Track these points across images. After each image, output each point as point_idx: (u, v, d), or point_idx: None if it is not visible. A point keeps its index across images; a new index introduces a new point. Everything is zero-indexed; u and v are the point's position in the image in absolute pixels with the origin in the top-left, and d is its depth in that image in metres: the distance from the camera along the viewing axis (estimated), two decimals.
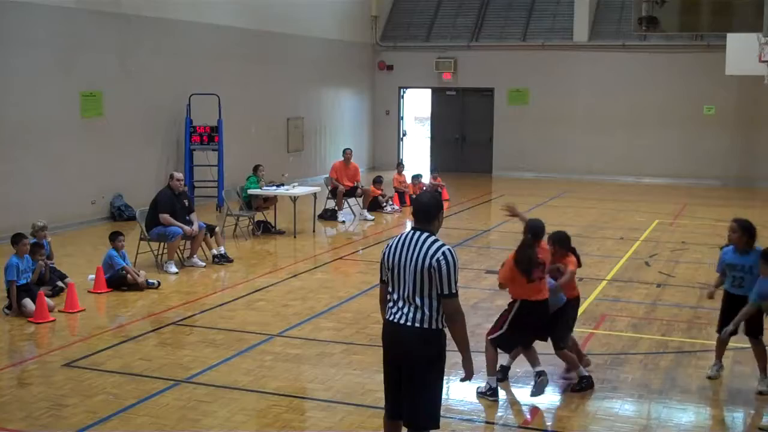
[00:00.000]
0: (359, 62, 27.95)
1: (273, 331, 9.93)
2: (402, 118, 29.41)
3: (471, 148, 28.27)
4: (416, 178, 21.37)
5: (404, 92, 29.35)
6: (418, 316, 5.55)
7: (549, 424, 7.44)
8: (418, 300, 5.54)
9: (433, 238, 5.61)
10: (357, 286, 12.29)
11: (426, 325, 5.54)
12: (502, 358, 8.27)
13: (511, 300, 8.06)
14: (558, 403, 7.90)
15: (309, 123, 24.81)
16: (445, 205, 20.70)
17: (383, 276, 5.78)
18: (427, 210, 5.71)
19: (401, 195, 20.39)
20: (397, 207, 19.81)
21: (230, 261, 13.85)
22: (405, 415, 5.73)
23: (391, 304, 5.68)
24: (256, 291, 11.94)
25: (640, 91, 26.05)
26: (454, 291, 5.51)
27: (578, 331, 9.82)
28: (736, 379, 8.50)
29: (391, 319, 5.65)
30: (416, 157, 29.64)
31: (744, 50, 20.54)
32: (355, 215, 18.66)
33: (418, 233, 5.64)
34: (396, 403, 5.76)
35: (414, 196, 5.39)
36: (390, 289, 5.69)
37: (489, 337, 8.09)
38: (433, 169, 24.17)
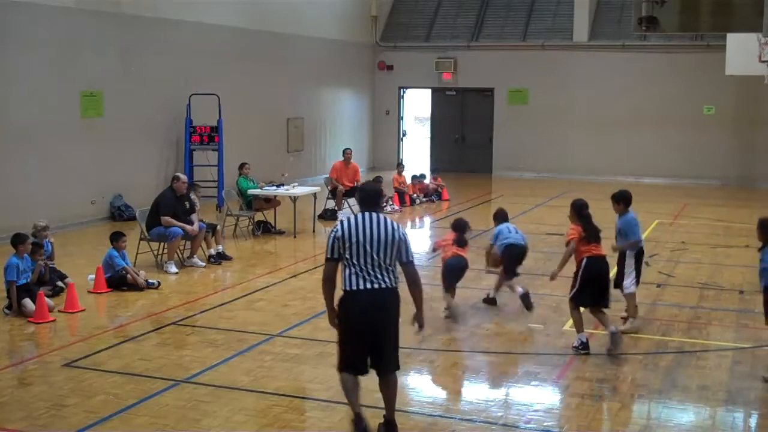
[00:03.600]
0: (359, 62, 27.95)
1: (273, 331, 9.93)
2: (402, 118, 29.41)
3: (471, 148, 28.27)
4: (418, 178, 21.40)
5: (404, 92, 29.36)
6: (392, 278, 6.61)
7: (548, 423, 7.43)
8: (390, 266, 6.57)
9: (386, 217, 6.77)
10: None
11: (395, 285, 6.64)
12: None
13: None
14: (558, 403, 7.90)
15: (309, 123, 24.81)
16: (445, 205, 20.88)
17: (335, 254, 6.59)
18: (373, 196, 6.87)
19: (401, 195, 20.39)
20: (397, 207, 19.81)
21: (229, 258, 13.86)
22: (383, 364, 6.70)
23: (355, 275, 6.53)
24: (256, 291, 11.94)
25: (640, 91, 26.05)
26: (412, 258, 6.71)
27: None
28: (736, 379, 8.50)
29: (368, 287, 6.50)
30: (416, 158, 29.64)
31: (744, 50, 20.53)
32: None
33: (374, 214, 6.67)
34: (365, 361, 6.66)
35: (359, 186, 6.43)
36: (354, 261, 6.51)
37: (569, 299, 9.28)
38: (433, 170, 24.20)
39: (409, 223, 18.77)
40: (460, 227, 10.93)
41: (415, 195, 20.86)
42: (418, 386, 8.51)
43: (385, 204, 19.51)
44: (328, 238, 6.67)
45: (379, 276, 6.52)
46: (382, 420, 6.89)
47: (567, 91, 26.81)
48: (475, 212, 19.78)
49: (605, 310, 9.31)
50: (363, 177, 20.32)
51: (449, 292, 10.60)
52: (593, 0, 26.98)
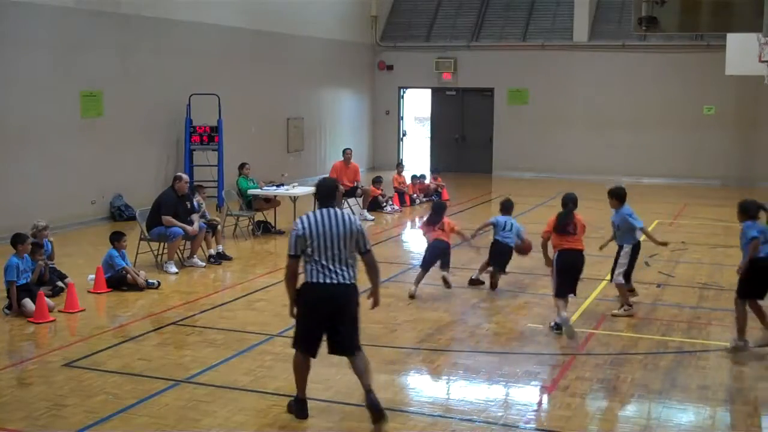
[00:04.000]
0: (359, 62, 27.96)
1: (273, 331, 9.92)
2: (402, 118, 29.41)
3: (471, 148, 28.27)
4: (418, 178, 21.39)
5: (404, 92, 29.36)
6: (351, 273, 7.07)
7: (548, 424, 7.43)
8: (350, 260, 7.04)
9: (343, 211, 7.26)
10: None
11: (353, 281, 7.08)
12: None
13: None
14: (557, 403, 7.90)
15: (309, 123, 24.81)
16: (448, 205, 20.81)
17: (297, 251, 6.99)
18: (329, 191, 7.32)
19: (401, 195, 20.39)
20: (397, 207, 19.81)
21: (229, 259, 13.87)
22: (341, 349, 7.22)
23: (316, 270, 6.96)
24: (256, 291, 11.94)
25: (640, 91, 26.06)
26: (370, 248, 7.18)
27: (578, 331, 9.84)
28: (737, 379, 8.50)
29: (327, 282, 6.95)
30: (416, 158, 29.64)
31: (744, 50, 20.53)
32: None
33: (332, 210, 7.11)
34: (316, 346, 7.20)
35: (318, 181, 6.93)
36: (316, 258, 6.94)
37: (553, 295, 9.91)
38: (434, 170, 24.16)
39: (409, 224, 18.76)
40: (435, 208, 12.19)
41: (415, 195, 20.86)
42: (418, 386, 8.51)
43: (385, 204, 19.53)
44: (290, 236, 7.07)
45: (339, 271, 6.98)
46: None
47: (567, 91, 26.82)
48: (475, 212, 19.78)
49: (571, 297, 9.93)
50: (363, 177, 20.32)
51: (422, 270, 11.65)
52: (593, 0, 26.99)
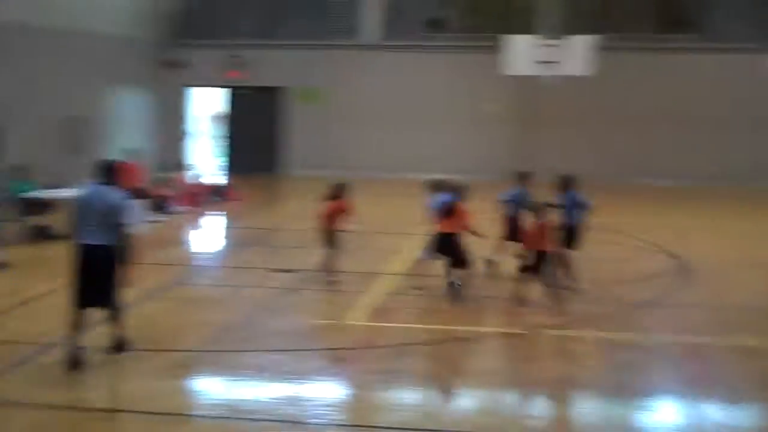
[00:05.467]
0: (146, 60, 27.09)
1: (53, 339, 9.41)
2: (191, 118, 28.85)
3: (264, 148, 28.10)
4: (207, 177, 21.08)
5: (193, 91, 28.80)
6: (109, 236, 8.28)
7: (335, 417, 7.45)
8: (107, 227, 8.25)
9: (110, 188, 8.43)
10: (143, 290, 11.85)
11: (111, 243, 8.31)
12: None
13: None
14: (344, 397, 7.96)
15: (91, 123, 23.79)
16: (237, 205, 20.61)
17: (74, 216, 8.41)
18: (103, 169, 8.51)
19: (192, 196, 19.98)
20: (186, 208, 19.39)
21: (3, 266, 13.09)
22: (97, 302, 8.43)
23: (82, 232, 8.31)
24: (30, 300, 11.28)
25: (428, 90, 26.82)
26: (126, 222, 8.33)
27: (366, 325, 9.99)
28: (513, 362, 8.86)
29: (87, 242, 8.30)
30: (207, 157, 29.20)
31: (524, 51, 21.61)
32: (142, 217, 18.06)
33: (101, 186, 8.43)
34: (83, 298, 8.36)
35: (100, 161, 7.90)
36: (81, 222, 8.34)
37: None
38: (225, 169, 23.83)
39: (200, 224, 18.42)
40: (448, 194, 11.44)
41: (206, 196, 20.50)
42: (206, 389, 8.35)
43: (172, 205, 19.04)
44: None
45: (98, 234, 8.24)
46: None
47: (358, 90, 27.21)
48: (269, 212, 19.68)
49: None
50: (149, 178, 19.73)
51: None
52: (384, 1, 27.50)
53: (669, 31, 26.40)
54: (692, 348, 9.48)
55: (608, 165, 26.27)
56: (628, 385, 8.21)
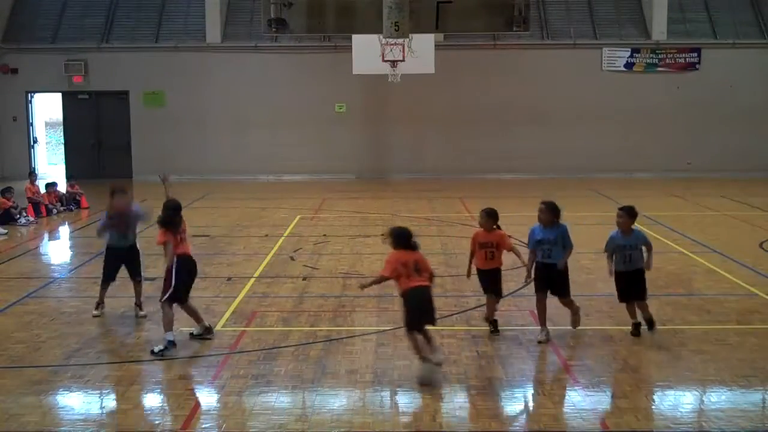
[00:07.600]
0: None
1: None
2: (32, 125, 27.80)
3: (109, 153, 27.47)
4: (52, 186, 20.33)
5: (32, 97, 27.74)
6: None
7: (207, 426, 7.41)
8: None
9: None
10: None
11: None
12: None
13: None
14: (215, 403, 7.91)
15: None
16: (85, 213, 20.03)
17: None
18: None
19: (36, 206, 19.26)
20: (32, 218, 18.68)
21: None
22: None
23: None
24: None
25: (276, 91, 26.82)
26: None
27: (230, 330, 9.95)
28: (381, 360, 9.02)
29: None
30: (51, 165, 28.19)
31: (368, 50, 21.92)
32: None
33: None
34: None
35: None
36: None
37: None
38: (69, 177, 23.02)
39: (47, 235, 17.78)
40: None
41: (51, 205, 19.79)
42: (69, 404, 8.07)
43: (18, 216, 18.32)
44: None
45: None
46: None
47: (203, 93, 26.97)
48: None
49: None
50: None
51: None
52: (224, 1, 27.28)
53: (507, 29, 27.32)
54: None
55: (461, 160, 26.94)
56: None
